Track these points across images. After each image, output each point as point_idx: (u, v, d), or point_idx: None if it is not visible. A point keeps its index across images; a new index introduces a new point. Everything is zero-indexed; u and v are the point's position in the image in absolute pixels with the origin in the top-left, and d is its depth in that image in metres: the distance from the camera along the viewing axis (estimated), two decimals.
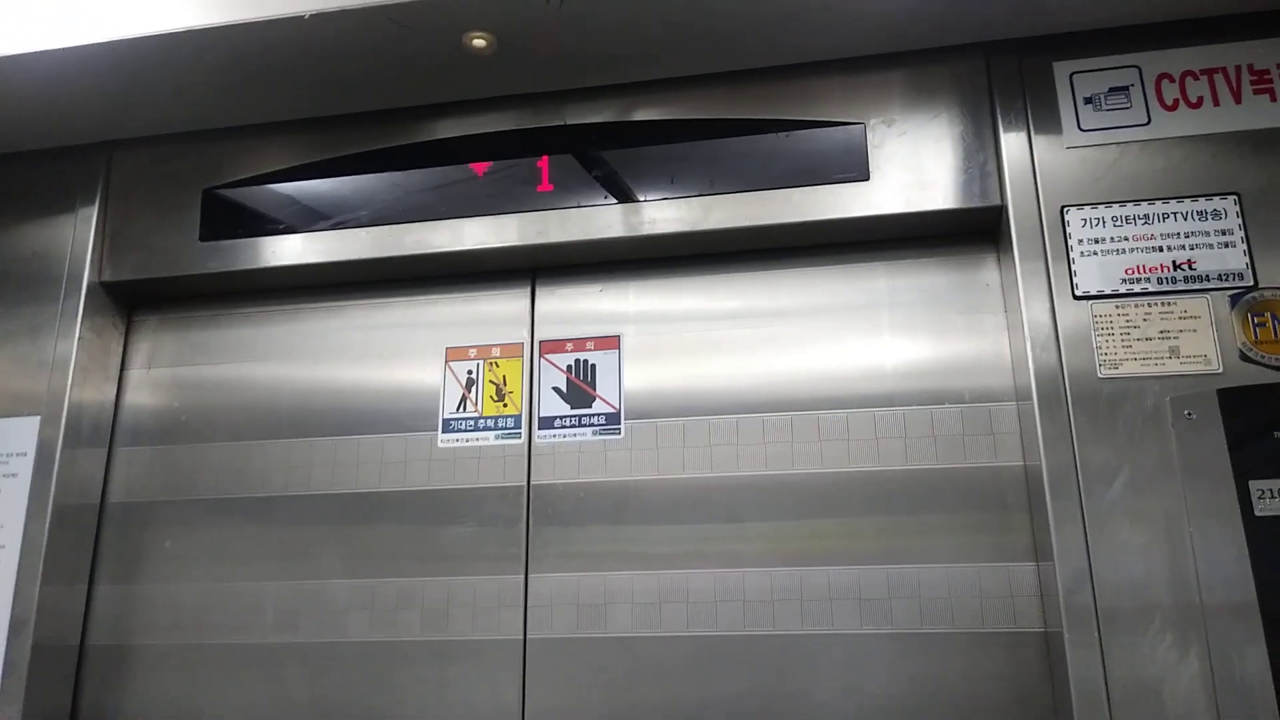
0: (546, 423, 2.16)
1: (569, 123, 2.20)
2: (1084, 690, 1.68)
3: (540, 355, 2.21)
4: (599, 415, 2.14)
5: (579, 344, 2.20)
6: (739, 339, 2.14)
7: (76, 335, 2.26)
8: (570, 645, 2.02)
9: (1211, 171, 1.89)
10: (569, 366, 2.19)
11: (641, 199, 2.12)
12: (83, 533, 2.25)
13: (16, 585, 2.11)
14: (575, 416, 2.15)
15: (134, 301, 2.44)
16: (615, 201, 2.13)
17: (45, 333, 2.28)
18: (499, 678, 2.02)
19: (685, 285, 2.20)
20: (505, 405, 2.18)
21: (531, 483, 2.13)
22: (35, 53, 2.03)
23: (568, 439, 2.14)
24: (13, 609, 2.09)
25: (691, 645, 1.98)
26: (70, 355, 2.25)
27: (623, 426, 2.13)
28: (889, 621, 1.92)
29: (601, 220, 2.13)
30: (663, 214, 2.10)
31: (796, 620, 1.95)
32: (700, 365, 2.14)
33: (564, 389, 2.17)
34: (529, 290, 2.27)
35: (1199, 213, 1.87)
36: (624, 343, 2.18)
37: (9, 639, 2.08)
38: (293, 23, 1.94)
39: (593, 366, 2.18)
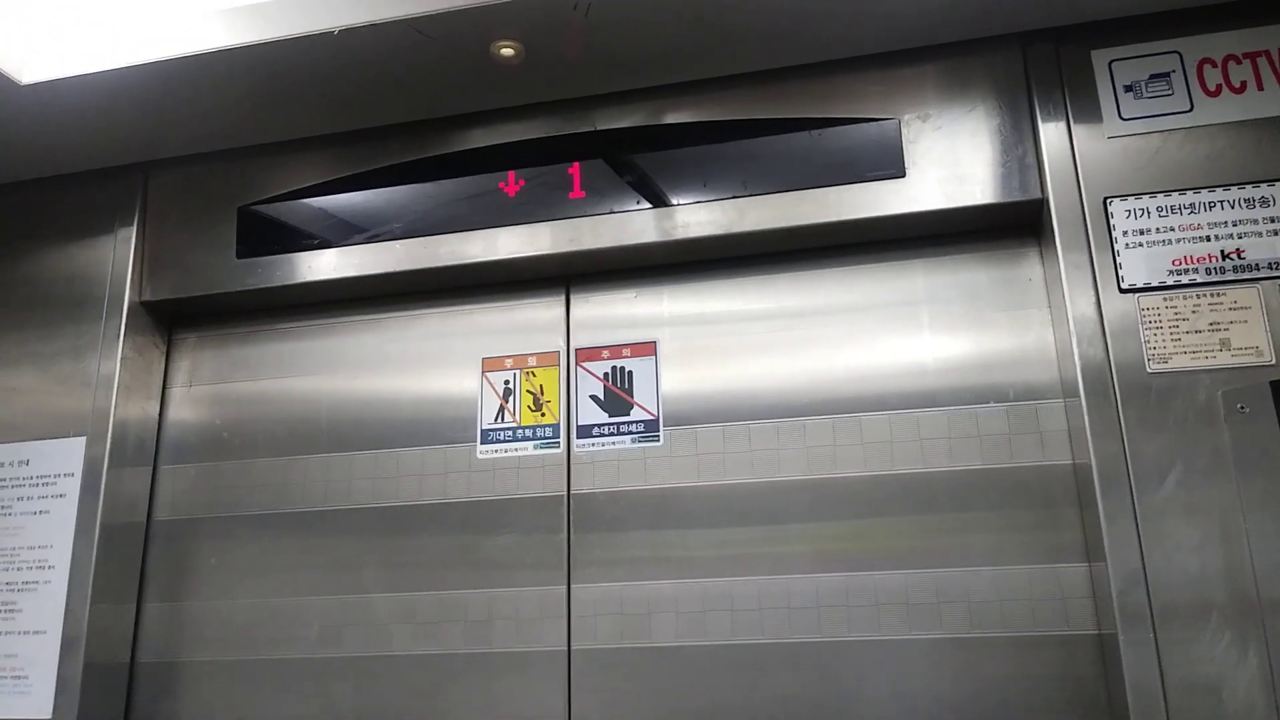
0: (585, 431, 2.15)
1: (599, 128, 2.19)
2: (1140, 693, 1.65)
3: (577, 363, 2.20)
4: (637, 423, 2.13)
5: (615, 351, 2.19)
6: (777, 341, 2.12)
7: (119, 355, 2.29)
8: (614, 656, 2.01)
9: (1258, 158, 1.84)
10: (606, 374, 2.18)
11: (674, 203, 2.10)
12: (130, 551, 2.28)
13: (67, 605, 2.14)
14: (613, 424, 2.14)
15: (174, 320, 2.46)
16: (648, 206, 2.11)
17: (88, 353, 2.31)
18: (544, 689, 2.02)
19: (721, 288, 2.19)
20: (543, 415, 2.18)
21: (571, 492, 2.12)
22: (71, 77, 2.05)
23: (606, 447, 2.13)
24: (64, 628, 2.12)
25: (737, 654, 1.96)
26: (113, 375, 2.28)
27: (661, 433, 2.11)
28: (938, 626, 1.89)
29: (635, 226, 2.11)
30: (696, 217, 2.08)
31: (843, 626, 1.93)
32: (738, 369, 2.12)
33: (601, 397, 2.16)
34: (564, 298, 2.26)
35: (1246, 200, 1.82)
36: (660, 348, 2.17)
37: (61, 658, 2.11)
38: (322, 39, 1.95)
39: (629, 373, 2.16)
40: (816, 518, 1.99)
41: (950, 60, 2.05)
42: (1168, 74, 1.91)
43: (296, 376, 2.35)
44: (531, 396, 2.20)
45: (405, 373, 2.29)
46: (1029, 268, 2.03)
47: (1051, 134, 1.93)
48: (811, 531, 1.99)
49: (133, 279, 2.35)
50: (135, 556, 2.29)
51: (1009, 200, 1.95)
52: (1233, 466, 1.70)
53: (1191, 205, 1.84)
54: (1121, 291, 1.83)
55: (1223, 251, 1.81)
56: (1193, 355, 1.77)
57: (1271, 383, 1.72)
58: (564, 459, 2.15)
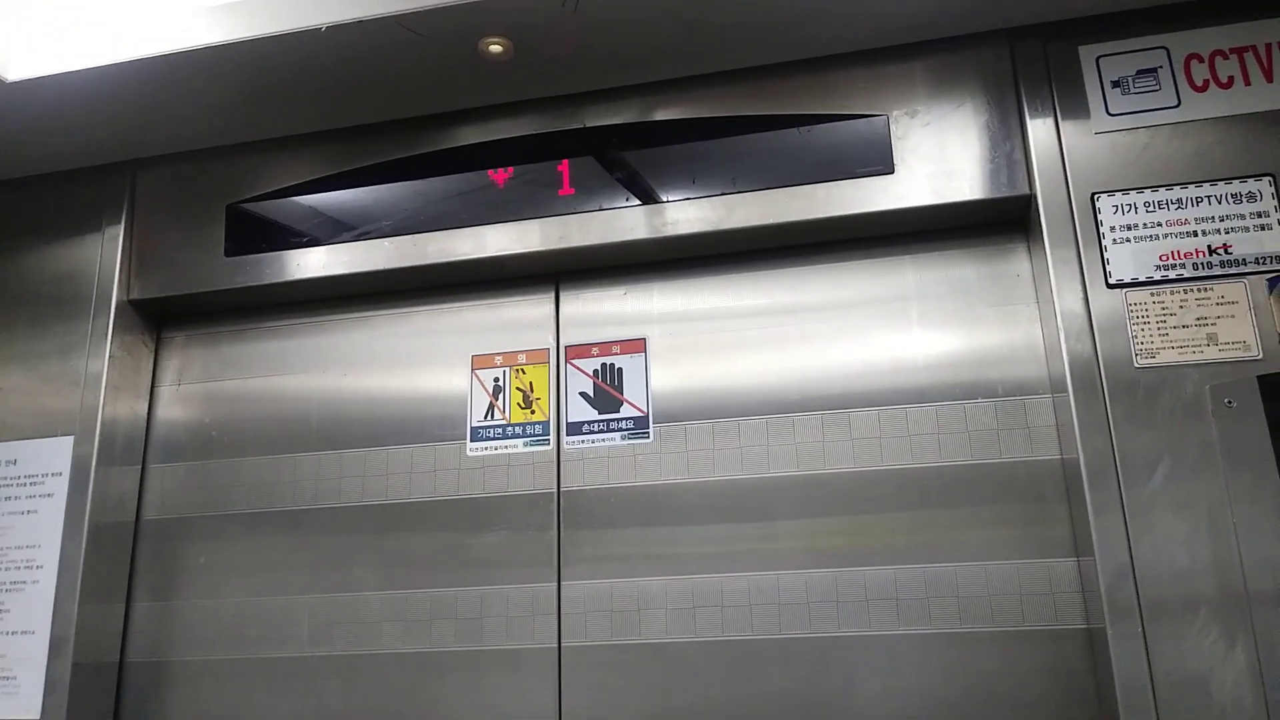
0: (574, 428, 2.15)
1: (588, 125, 2.18)
2: (1129, 686, 1.65)
3: (566, 360, 2.20)
4: (627, 419, 2.12)
5: (605, 348, 2.19)
6: (766, 338, 2.12)
7: (107, 354, 2.28)
8: (605, 652, 2.01)
9: (1245, 153, 1.85)
10: (595, 371, 2.18)
11: (664, 200, 2.10)
12: (119, 550, 2.27)
13: (55, 604, 2.13)
14: (603, 421, 2.14)
15: (162, 318, 2.45)
16: (637, 203, 2.11)
17: (76, 352, 2.30)
18: (534, 686, 2.02)
19: (710, 285, 2.18)
20: (533, 412, 2.17)
21: (561, 489, 2.12)
22: (57, 75, 2.04)
23: (596, 444, 2.13)
24: (52, 628, 2.11)
25: (727, 650, 1.96)
26: (101, 374, 2.27)
27: (651, 430, 2.11)
28: (927, 621, 1.89)
29: (624, 223, 2.11)
30: (685, 214, 2.08)
31: (833, 622, 1.93)
32: (728, 365, 2.12)
33: (591, 394, 2.16)
34: (553, 295, 2.26)
35: (1233, 195, 1.83)
36: (650, 345, 2.17)
37: (50, 658, 2.10)
38: (309, 35, 1.94)
39: (619, 370, 2.16)
40: (806, 513, 2.00)
41: (938, 57, 2.05)
42: (1155, 69, 1.91)
43: (286, 375, 2.35)
44: (521, 394, 2.19)
45: (395, 370, 2.29)
46: (1017, 263, 2.04)
47: (1039, 130, 1.94)
48: (801, 527, 1.99)
49: (121, 277, 2.34)
50: (124, 556, 2.28)
51: (997, 196, 1.95)
52: (1220, 461, 1.71)
53: (1179, 200, 1.84)
54: (1109, 287, 1.83)
55: (1210, 246, 1.81)
56: (1180, 350, 1.77)
57: (1259, 377, 1.72)
58: (554, 456, 2.14)
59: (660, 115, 2.16)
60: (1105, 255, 1.84)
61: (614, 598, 2.03)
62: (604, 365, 2.18)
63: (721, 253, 2.18)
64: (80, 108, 2.17)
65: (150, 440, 2.37)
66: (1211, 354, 1.76)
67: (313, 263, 2.26)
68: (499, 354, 2.24)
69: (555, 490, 2.12)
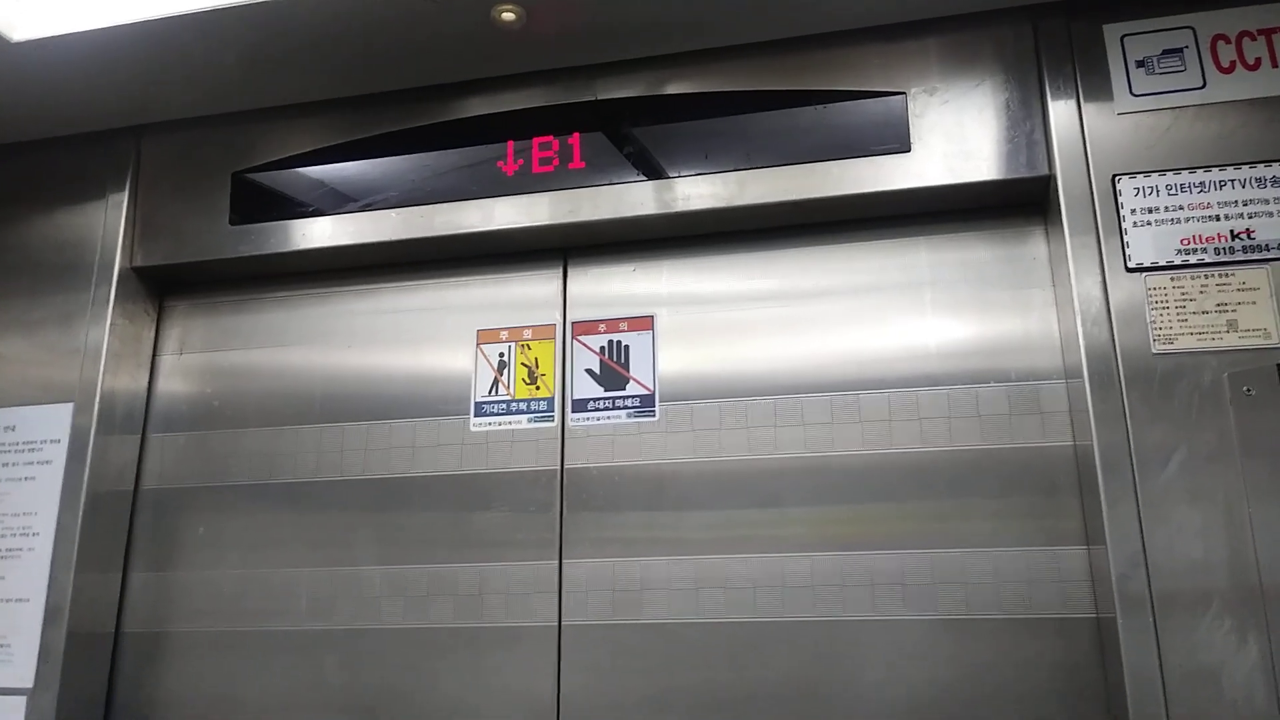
0: (580, 405, 2.12)
1: (600, 98, 2.15)
2: (1138, 678, 1.63)
3: (573, 337, 2.17)
4: (633, 398, 2.10)
5: (612, 325, 2.16)
6: (776, 318, 2.09)
7: (108, 322, 2.26)
8: (606, 631, 1.98)
9: (1270, 136, 1.81)
10: (602, 348, 2.15)
11: (675, 175, 2.07)
12: (117, 520, 2.25)
13: (51, 573, 2.11)
14: (609, 399, 2.11)
15: (165, 287, 2.43)
16: (648, 178, 2.08)
17: (77, 320, 2.28)
18: (534, 664, 2.00)
19: (720, 263, 2.15)
20: (538, 388, 2.15)
21: (565, 467, 2.09)
22: (61, 36, 2.02)
23: (601, 422, 2.10)
24: (48, 596, 2.10)
25: (729, 632, 1.93)
26: (102, 342, 2.25)
27: (657, 409, 2.08)
28: (934, 607, 1.87)
29: (634, 198, 2.08)
30: (697, 190, 2.05)
31: (838, 606, 1.90)
32: (736, 346, 2.09)
33: (597, 371, 2.13)
34: (561, 271, 2.23)
35: (1257, 179, 1.79)
36: (658, 323, 2.14)
37: (45, 626, 2.09)
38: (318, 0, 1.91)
39: (626, 348, 2.13)
40: (813, 497, 1.97)
41: (958, 34, 2.01)
42: (1180, 50, 1.87)
43: (289, 346, 2.32)
44: (526, 369, 2.17)
45: (399, 343, 2.26)
46: (1034, 246, 2.00)
47: (1060, 110, 1.90)
48: (807, 511, 1.96)
49: (124, 244, 2.32)
50: (122, 525, 2.26)
51: (1015, 176, 1.92)
52: (1238, 450, 1.68)
53: (1201, 184, 1.80)
54: (1128, 271, 1.79)
55: (1232, 231, 1.77)
56: (1199, 336, 1.74)
57: (1279, 365, 1.69)
58: (558, 433, 2.12)
59: (673, 89, 2.13)
60: (1125, 239, 1.81)
61: (616, 577, 2.00)
62: (611, 342, 2.15)
63: (733, 230, 2.14)
64: (86, 70, 2.15)
65: (150, 409, 2.35)
66: (1231, 341, 1.72)
67: (318, 233, 2.23)
68: (505, 329, 2.21)
69: (559, 468, 2.09)
